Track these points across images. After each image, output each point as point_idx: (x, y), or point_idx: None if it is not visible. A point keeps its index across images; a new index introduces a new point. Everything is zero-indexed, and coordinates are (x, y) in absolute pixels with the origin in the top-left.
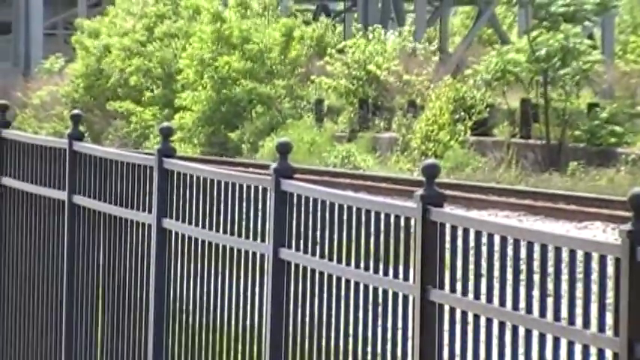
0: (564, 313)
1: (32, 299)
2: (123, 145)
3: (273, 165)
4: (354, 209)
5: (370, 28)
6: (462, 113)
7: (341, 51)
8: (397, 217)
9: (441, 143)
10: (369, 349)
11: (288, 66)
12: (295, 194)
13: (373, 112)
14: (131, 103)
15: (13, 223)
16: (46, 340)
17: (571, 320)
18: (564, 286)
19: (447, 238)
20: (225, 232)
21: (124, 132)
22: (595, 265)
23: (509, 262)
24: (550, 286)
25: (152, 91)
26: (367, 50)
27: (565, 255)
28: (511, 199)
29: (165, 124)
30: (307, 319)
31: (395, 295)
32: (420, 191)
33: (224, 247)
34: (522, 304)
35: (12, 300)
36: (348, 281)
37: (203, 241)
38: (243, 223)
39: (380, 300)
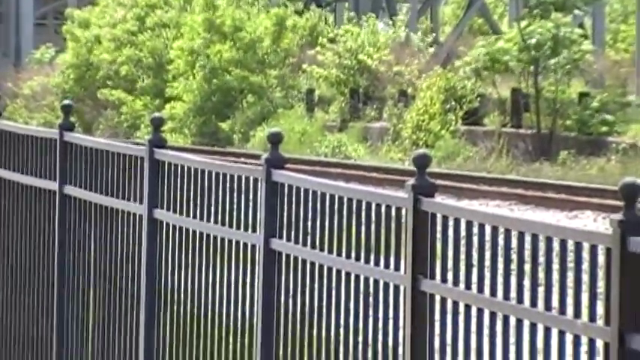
0: (555, 302)
1: (23, 289)
2: (114, 135)
3: (265, 155)
4: (345, 199)
5: (364, 17)
6: (453, 103)
7: (332, 40)
8: (388, 208)
9: (432, 133)
10: (361, 338)
11: (279, 55)
12: (286, 185)
13: (364, 101)
14: (122, 92)
15: (4, 214)
16: (38, 329)
17: (562, 310)
18: (555, 276)
19: (438, 228)
20: (216, 222)
21: (115, 122)
22: (586, 254)
23: (501, 252)
24: (541, 275)
25: (143, 80)
26: (359, 39)
27: (556, 244)
28: (502, 189)
29: (156, 114)
30: (298, 309)
31: (386, 285)
32: (411, 181)
33: (215, 237)
34: (513, 294)
35: (3, 289)
36: (339, 271)
37: (194, 232)
38: (234, 213)
39: (371, 290)
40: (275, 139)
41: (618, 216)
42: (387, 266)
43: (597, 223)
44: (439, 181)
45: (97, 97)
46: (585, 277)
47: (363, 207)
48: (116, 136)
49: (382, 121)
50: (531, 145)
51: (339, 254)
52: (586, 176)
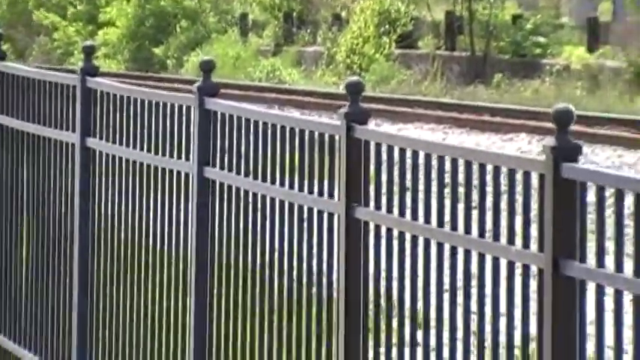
0: (489, 227)
1: None
2: (47, 62)
3: (197, 83)
4: (279, 127)
5: None
6: (387, 26)
7: None
8: (321, 135)
9: (366, 56)
10: (295, 264)
11: None
12: (219, 113)
13: (298, 25)
14: (56, 16)
15: None
16: None
17: (496, 237)
18: (489, 203)
19: (372, 155)
20: (149, 150)
21: (48, 48)
22: (520, 177)
23: (434, 180)
24: (474, 202)
25: (75, 7)
26: None
27: (489, 170)
28: (437, 112)
29: (88, 42)
30: (233, 237)
31: (320, 213)
32: (344, 109)
33: (149, 165)
34: (447, 218)
35: None
36: (272, 199)
37: (127, 160)
38: (168, 141)
39: (305, 217)
40: (207, 67)
41: (551, 142)
42: (320, 194)
43: (532, 146)
44: (373, 105)
45: (29, 23)
46: (520, 202)
47: (297, 134)
48: (49, 63)
49: (316, 45)
50: (466, 68)
51: (272, 182)
52: (520, 98)
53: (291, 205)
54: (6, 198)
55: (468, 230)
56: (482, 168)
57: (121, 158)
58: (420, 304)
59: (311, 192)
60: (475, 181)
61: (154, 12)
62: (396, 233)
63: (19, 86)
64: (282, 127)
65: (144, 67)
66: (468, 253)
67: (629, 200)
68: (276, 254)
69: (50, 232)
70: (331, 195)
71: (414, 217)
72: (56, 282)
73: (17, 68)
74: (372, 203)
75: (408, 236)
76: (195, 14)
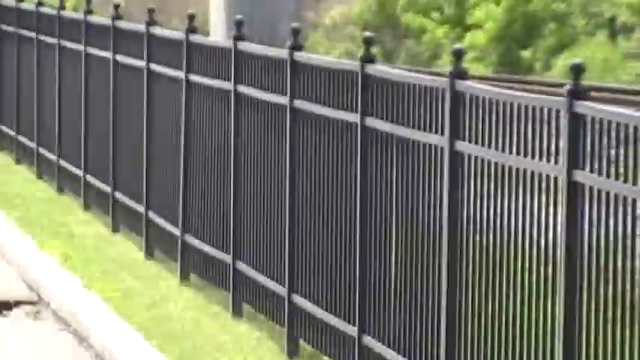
0: None
1: (323, 225)
2: (413, 64)
3: (567, 86)
4: None
5: None
6: None
7: None
8: None
9: None
10: None
11: None
12: (589, 116)
13: None
14: (423, 18)
15: (304, 145)
16: (339, 263)
17: None
18: None
19: None
20: (517, 153)
21: (415, 51)
22: None
23: None
24: None
25: (442, 12)
26: None
27: None
28: None
29: (458, 45)
30: (602, 240)
31: None
32: None
33: (516, 169)
34: None
35: (301, 226)
36: None
37: (496, 163)
38: (535, 144)
39: None
40: (577, 70)
41: None
42: None
43: None
44: None
45: (396, 26)
46: None
47: None
48: (415, 65)
49: None
50: None
51: None
52: None
53: None
54: (377, 201)
55: None
56: None
57: (489, 161)
58: None
59: None
60: None
61: (524, 15)
62: None
63: (388, 89)
64: None
65: (511, 70)
66: None
67: None
68: None
69: (419, 235)
70: None
71: None
72: (425, 284)
73: (386, 71)
74: None
75: None
76: (564, 16)
